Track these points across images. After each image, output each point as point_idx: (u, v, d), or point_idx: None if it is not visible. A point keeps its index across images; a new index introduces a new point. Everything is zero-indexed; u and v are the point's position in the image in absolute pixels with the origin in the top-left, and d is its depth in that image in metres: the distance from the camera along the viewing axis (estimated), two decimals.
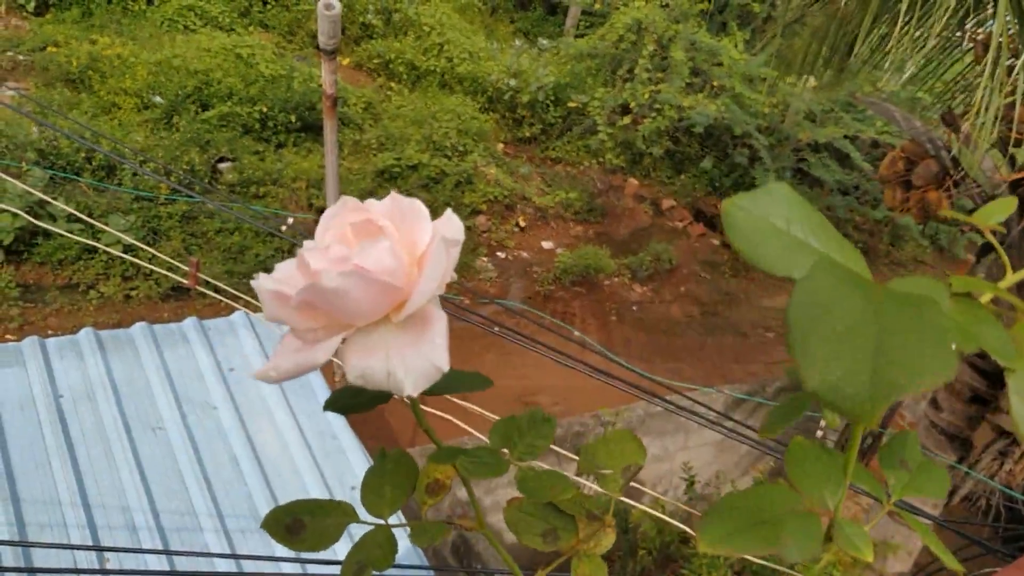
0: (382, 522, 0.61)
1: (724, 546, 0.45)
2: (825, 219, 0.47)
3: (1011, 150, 4.56)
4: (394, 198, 0.54)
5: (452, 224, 0.53)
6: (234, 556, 2.48)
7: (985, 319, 0.43)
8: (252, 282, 0.52)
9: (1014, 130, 4.03)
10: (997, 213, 0.53)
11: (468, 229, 9.15)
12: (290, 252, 7.30)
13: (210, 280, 4.15)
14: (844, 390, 0.37)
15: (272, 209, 7.51)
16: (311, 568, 3.32)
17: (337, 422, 4.14)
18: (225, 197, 7.52)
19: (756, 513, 0.47)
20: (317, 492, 3.79)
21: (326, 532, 0.59)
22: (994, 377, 5.09)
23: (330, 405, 0.56)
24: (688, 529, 3.89)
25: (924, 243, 10.68)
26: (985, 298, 0.44)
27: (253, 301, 4.77)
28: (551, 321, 6.42)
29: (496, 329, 6.93)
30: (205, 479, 3.69)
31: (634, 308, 8.89)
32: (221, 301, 4.55)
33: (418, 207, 0.53)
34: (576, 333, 7.35)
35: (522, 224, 9.56)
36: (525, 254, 9.24)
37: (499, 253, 9.12)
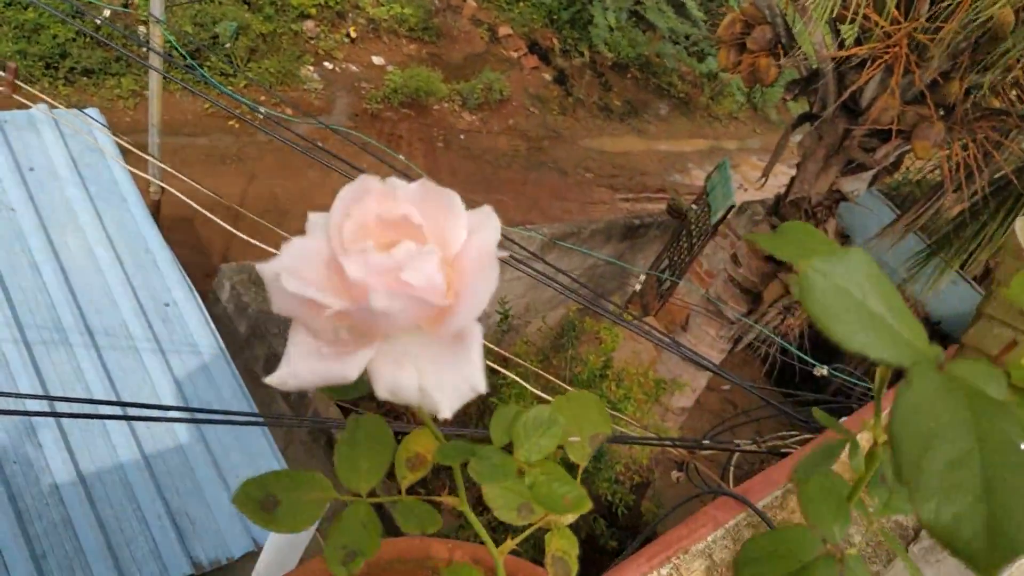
0: (360, 497, 0.57)
1: None
2: (895, 290, 0.45)
3: (842, 27, 4.75)
4: (425, 185, 0.47)
5: (490, 223, 0.47)
6: (49, 398, 2.36)
7: None
8: (263, 271, 0.45)
9: (850, 10, 4.18)
10: None
11: (295, 34, 8.60)
12: (96, 40, 6.59)
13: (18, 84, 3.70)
14: (960, 534, 0.35)
15: None
16: (125, 397, 3.23)
17: (151, 234, 3.92)
18: None
19: (786, 561, 0.50)
20: (127, 306, 3.63)
21: (303, 509, 0.55)
22: None
23: (328, 391, 0.51)
24: (497, 367, 4.05)
25: (742, 101, 11.12)
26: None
27: (46, 98, 4.33)
28: (375, 145, 6.25)
29: (319, 144, 6.68)
30: (1, 286, 3.44)
31: (462, 136, 8.81)
32: (20, 87, 4.09)
33: (454, 201, 0.47)
34: (401, 158, 7.23)
35: (353, 35, 9.09)
36: (354, 68, 8.84)
37: (326, 63, 8.67)
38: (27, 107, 3.79)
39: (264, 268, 0.45)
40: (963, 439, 0.36)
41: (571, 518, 0.64)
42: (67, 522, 3.01)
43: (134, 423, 3.24)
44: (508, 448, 0.58)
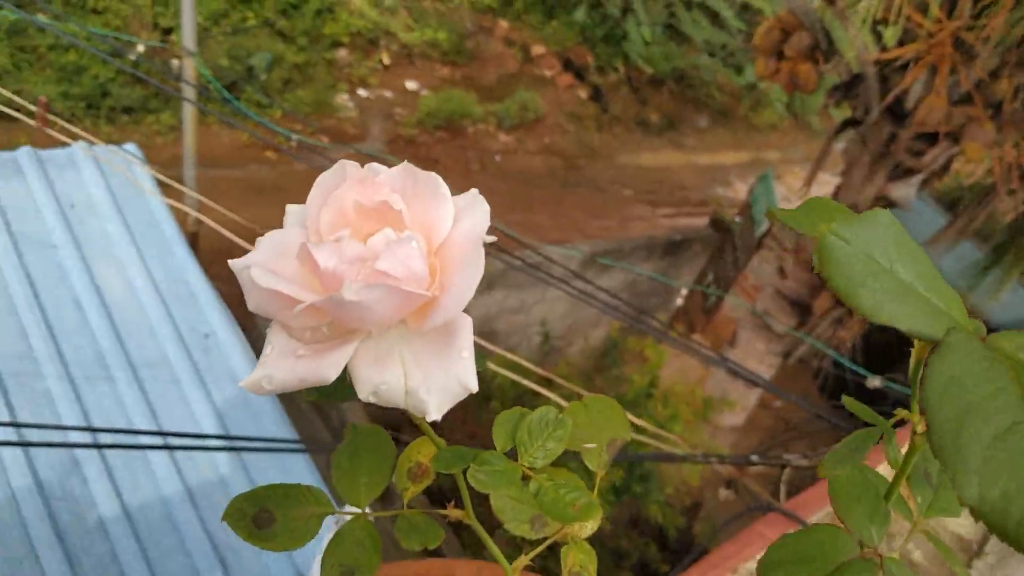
0: (359, 511, 0.53)
1: None
2: (926, 256, 0.42)
3: (884, 29, 4.64)
4: (407, 169, 0.44)
5: (478, 209, 0.44)
6: (91, 429, 2.33)
7: None
8: (234, 266, 0.43)
9: (892, 12, 4.08)
10: None
11: (329, 63, 8.66)
12: (134, 78, 6.71)
13: (51, 117, 3.73)
14: (1010, 514, 0.31)
15: (111, 31, 6.82)
16: (167, 427, 3.22)
17: (188, 264, 3.93)
18: (60, 10, 6.74)
19: (818, 565, 0.45)
20: (168, 339, 3.63)
21: (299, 526, 0.51)
22: None
23: (312, 395, 0.47)
24: (537, 387, 3.98)
25: (782, 112, 10.97)
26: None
27: (85, 135, 4.36)
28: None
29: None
30: (46, 323, 3.46)
31: (497, 157, 8.79)
32: (57, 123, 4.13)
33: (437, 184, 0.44)
34: None
35: (386, 62, 9.14)
36: (388, 94, 8.88)
37: (360, 91, 8.72)
38: (62, 143, 3.83)
39: (236, 263, 0.43)
40: (1008, 411, 0.33)
41: (590, 530, 0.59)
42: (113, 557, 2.99)
43: (177, 458, 3.23)
44: (513, 454, 0.55)
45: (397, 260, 0.40)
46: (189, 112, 4.25)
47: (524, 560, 0.58)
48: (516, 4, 10.49)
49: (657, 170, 9.71)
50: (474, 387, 0.41)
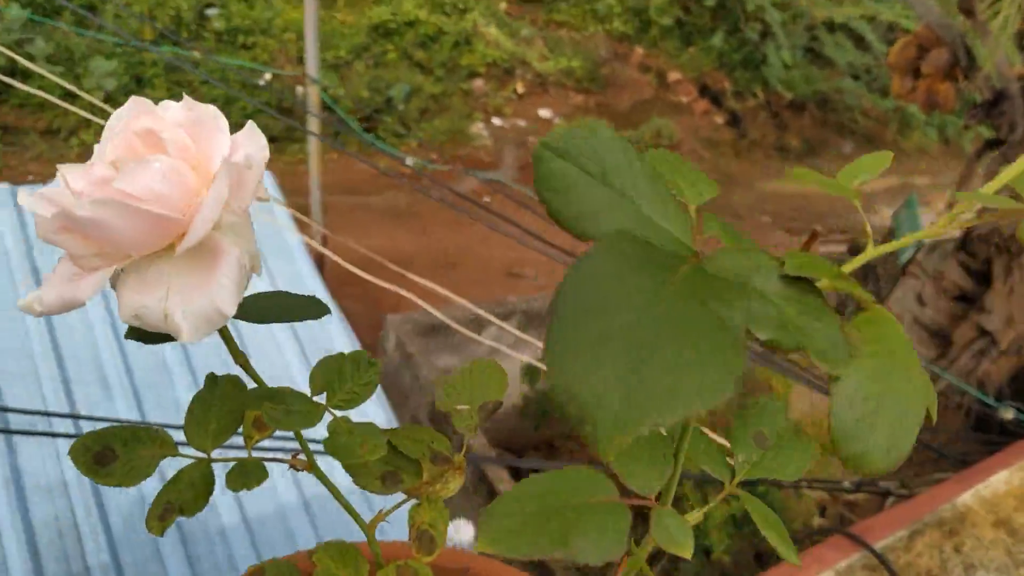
0: (203, 455, 0.55)
1: (503, 545, 0.37)
2: (653, 169, 0.39)
3: None
4: (189, 104, 0.46)
5: (253, 139, 0.46)
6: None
7: (818, 311, 0.34)
8: (19, 198, 0.45)
9: None
10: None
11: (465, 93, 8.88)
12: (278, 106, 7.09)
13: None
14: (589, 408, 0.28)
15: (258, 64, 7.26)
16: (288, 442, 3.34)
17: (316, 287, 4.09)
18: (212, 46, 7.23)
19: (548, 503, 0.39)
20: (293, 354, 3.79)
21: (138, 465, 0.53)
22: (980, 277, 5.04)
23: (131, 334, 0.50)
24: None
25: (930, 134, 10.43)
26: (824, 283, 0.36)
27: None
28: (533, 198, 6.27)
29: (486, 200, 6.82)
30: None
31: None
32: None
33: (215, 117, 0.45)
34: None
35: (520, 91, 9.28)
36: (522, 122, 9.01)
37: (495, 120, 8.89)
38: None
39: (22, 197, 0.45)
40: (638, 310, 0.30)
41: (452, 491, 0.59)
42: (231, 563, 3.13)
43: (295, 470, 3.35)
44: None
45: (134, 180, 0.41)
46: (313, 140, 4.45)
47: (380, 518, 0.58)
48: (652, 31, 10.45)
49: (797, 197, 9.41)
50: (230, 312, 0.42)
